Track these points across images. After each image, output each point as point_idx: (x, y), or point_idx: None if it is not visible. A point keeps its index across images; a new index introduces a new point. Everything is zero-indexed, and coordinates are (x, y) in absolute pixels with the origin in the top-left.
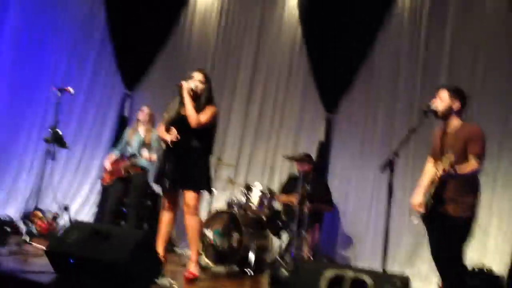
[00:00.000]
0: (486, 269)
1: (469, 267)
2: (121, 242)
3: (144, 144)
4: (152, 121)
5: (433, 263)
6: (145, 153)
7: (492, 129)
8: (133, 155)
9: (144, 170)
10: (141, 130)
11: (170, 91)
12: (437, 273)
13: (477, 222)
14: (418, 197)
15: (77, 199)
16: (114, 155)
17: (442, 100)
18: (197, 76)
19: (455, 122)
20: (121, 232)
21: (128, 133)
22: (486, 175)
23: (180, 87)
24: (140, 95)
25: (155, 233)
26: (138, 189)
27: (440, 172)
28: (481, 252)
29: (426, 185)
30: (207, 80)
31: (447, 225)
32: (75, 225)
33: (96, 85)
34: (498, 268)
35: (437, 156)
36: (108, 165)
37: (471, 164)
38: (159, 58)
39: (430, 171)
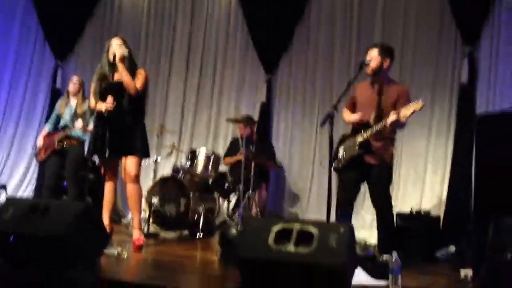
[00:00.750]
0: (424, 212)
1: (409, 211)
2: (60, 216)
3: (77, 115)
4: (83, 91)
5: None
6: (78, 123)
7: (425, 80)
8: (66, 126)
9: (79, 141)
10: (73, 101)
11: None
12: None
13: (413, 169)
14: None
15: (14, 177)
16: (47, 129)
17: (373, 58)
18: (116, 41)
19: (384, 79)
20: (60, 205)
21: (59, 105)
22: (421, 124)
23: (113, 56)
24: (72, 65)
25: (99, 205)
26: (74, 161)
27: (392, 120)
28: (419, 196)
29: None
30: (125, 43)
31: (379, 173)
32: (10, 201)
33: (23, 58)
34: (435, 210)
35: (361, 109)
36: (40, 140)
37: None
38: (89, 26)
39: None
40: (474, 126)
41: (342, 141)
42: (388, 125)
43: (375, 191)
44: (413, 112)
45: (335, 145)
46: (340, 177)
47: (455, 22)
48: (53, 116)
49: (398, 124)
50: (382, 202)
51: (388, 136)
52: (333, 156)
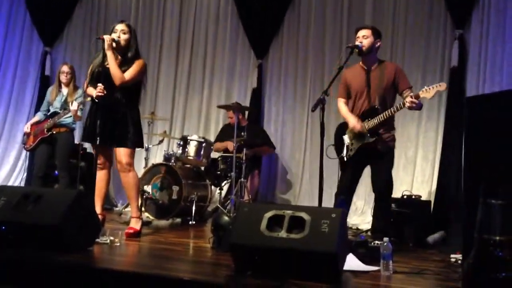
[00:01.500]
0: (415, 196)
1: (399, 195)
2: (53, 204)
3: (67, 103)
4: (74, 78)
5: (368, 199)
6: (74, 106)
7: (415, 64)
8: (55, 114)
9: (68, 128)
10: (65, 90)
11: (93, 45)
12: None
13: (404, 154)
14: (358, 122)
15: (5, 166)
16: (37, 118)
17: (366, 36)
18: (119, 27)
19: (374, 60)
20: (53, 193)
21: (50, 93)
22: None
23: (102, 41)
24: (60, 51)
25: (92, 194)
26: (64, 149)
27: (413, 101)
28: (410, 181)
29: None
30: (130, 30)
31: (384, 157)
32: (2, 190)
33: (11, 45)
34: (426, 195)
35: (357, 94)
36: (28, 127)
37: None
38: (77, 11)
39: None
40: (464, 109)
41: (341, 129)
42: (410, 107)
43: (379, 176)
44: (435, 93)
45: (331, 133)
46: (347, 165)
47: (445, 5)
48: (44, 103)
49: (416, 106)
50: (384, 188)
51: (391, 121)
52: (335, 144)
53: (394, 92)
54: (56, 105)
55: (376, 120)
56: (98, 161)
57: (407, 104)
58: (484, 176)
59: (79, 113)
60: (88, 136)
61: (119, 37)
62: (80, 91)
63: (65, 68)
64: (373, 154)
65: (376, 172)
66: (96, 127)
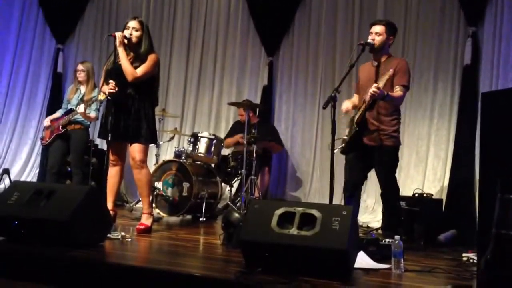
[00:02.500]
0: (426, 194)
1: (411, 194)
2: (64, 200)
3: (83, 101)
4: (92, 76)
5: (379, 197)
6: (81, 108)
7: (427, 62)
8: (70, 110)
9: (83, 125)
10: (83, 88)
11: (104, 42)
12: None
13: (416, 152)
14: (347, 104)
15: (17, 161)
16: (57, 114)
17: (379, 34)
18: (132, 24)
19: (385, 55)
20: (65, 189)
21: (69, 91)
22: (424, 107)
23: (114, 38)
24: (72, 48)
25: (103, 190)
26: (78, 146)
27: (374, 90)
28: (421, 180)
29: (352, 104)
30: (142, 27)
31: (378, 155)
32: (15, 185)
33: (24, 42)
34: (437, 193)
35: (362, 89)
36: (47, 121)
37: (397, 93)
38: (89, 8)
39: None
40: (477, 106)
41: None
42: (367, 98)
43: (377, 174)
44: (388, 80)
45: (341, 131)
46: (346, 160)
47: (458, 3)
48: (64, 101)
49: (379, 96)
50: (382, 187)
51: (389, 117)
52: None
53: (393, 87)
54: (73, 102)
55: (360, 111)
56: (111, 158)
57: (369, 94)
58: (500, 171)
59: (93, 114)
60: (101, 132)
61: (131, 34)
62: (97, 90)
63: (79, 67)
64: (370, 152)
65: (376, 171)
66: (108, 123)
